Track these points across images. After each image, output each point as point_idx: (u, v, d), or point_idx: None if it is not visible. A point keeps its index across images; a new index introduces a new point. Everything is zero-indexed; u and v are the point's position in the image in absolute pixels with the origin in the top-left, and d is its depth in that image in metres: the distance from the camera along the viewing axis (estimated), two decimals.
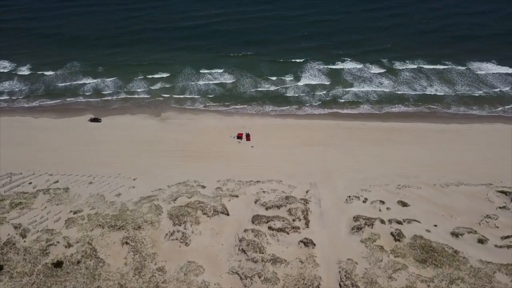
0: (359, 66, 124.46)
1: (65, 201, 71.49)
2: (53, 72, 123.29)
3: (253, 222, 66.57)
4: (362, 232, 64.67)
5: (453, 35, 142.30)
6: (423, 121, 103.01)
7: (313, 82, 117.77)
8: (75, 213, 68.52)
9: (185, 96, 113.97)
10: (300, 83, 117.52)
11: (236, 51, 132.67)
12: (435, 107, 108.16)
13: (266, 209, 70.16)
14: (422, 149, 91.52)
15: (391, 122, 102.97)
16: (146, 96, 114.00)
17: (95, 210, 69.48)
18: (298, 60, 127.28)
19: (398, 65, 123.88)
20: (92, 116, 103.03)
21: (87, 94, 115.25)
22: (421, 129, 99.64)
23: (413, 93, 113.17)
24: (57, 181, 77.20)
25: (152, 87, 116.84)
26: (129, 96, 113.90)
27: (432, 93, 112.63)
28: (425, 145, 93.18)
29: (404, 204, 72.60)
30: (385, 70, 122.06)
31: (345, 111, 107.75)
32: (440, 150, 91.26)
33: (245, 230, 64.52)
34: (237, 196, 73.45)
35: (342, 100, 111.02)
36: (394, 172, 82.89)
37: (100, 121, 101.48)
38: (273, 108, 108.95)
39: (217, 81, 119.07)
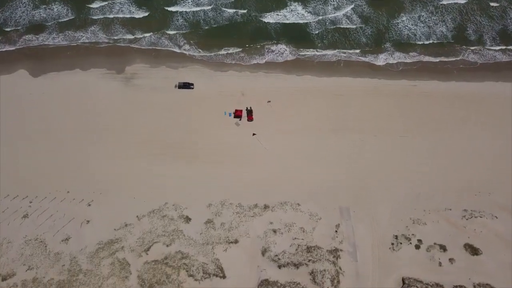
0: None
1: None
2: None
3: None
4: None
5: None
6: (501, 79, 71.98)
7: (346, 16, 78.55)
8: (4, 279, 47.96)
9: (160, 36, 77.19)
10: (327, 16, 78.58)
11: None
12: None
13: (279, 267, 49.29)
14: (496, 135, 64.51)
15: (454, 82, 71.98)
16: (105, 38, 77.03)
17: (34, 272, 48.84)
18: None
19: None
20: (181, 81, 70.53)
21: (18, 29, 79.24)
22: (496, 96, 69.65)
23: (489, 28, 77.21)
24: None
25: (114, 23, 78.94)
26: (82, 39, 77.11)
27: None
28: (502, 128, 65.52)
29: (474, 251, 51.51)
30: None
31: (388, 61, 74.49)
32: None
33: None
34: (236, 242, 51.47)
35: (387, 44, 75.95)
36: (458, 183, 58.65)
37: (192, 87, 70.47)
38: (285, 58, 75.26)
39: (206, 10, 79.89)
